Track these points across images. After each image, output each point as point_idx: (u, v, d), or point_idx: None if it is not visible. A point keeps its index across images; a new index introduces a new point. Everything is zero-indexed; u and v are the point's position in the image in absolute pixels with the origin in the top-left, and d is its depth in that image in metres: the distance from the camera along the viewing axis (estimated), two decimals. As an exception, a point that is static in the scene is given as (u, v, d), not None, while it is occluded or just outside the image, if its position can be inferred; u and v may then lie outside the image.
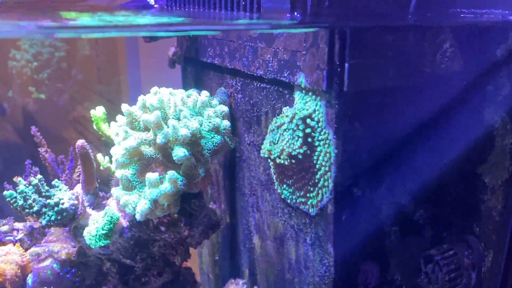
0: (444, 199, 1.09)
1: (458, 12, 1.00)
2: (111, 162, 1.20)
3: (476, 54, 0.99)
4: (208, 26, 0.98)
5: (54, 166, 1.17)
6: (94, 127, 1.17)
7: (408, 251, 1.07)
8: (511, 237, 1.07)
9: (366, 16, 0.92)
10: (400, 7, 0.94)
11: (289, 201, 1.06)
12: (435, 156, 1.05)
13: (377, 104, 0.95)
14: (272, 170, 1.10)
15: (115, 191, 0.97)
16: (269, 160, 1.06)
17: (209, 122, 0.98)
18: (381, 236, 1.04)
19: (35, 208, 0.98)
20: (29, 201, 0.98)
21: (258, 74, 1.05)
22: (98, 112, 1.15)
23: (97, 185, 1.11)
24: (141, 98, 0.99)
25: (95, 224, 0.99)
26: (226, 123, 1.01)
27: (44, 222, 0.99)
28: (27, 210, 0.98)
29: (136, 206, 0.93)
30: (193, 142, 0.96)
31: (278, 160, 1.01)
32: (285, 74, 0.98)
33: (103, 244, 0.98)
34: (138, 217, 0.93)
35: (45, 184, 1.00)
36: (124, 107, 0.99)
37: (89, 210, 1.04)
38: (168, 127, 0.92)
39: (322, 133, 0.94)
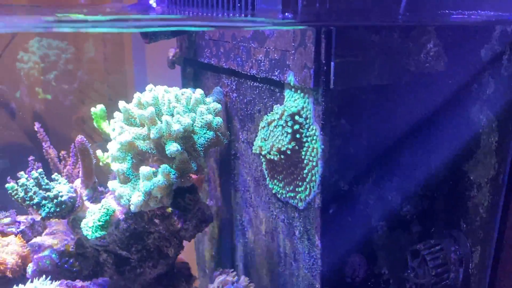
0: (431, 195, 1.12)
1: (446, 14, 1.04)
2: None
3: (461, 54, 1.02)
4: (203, 22, 1.03)
5: (57, 161, 1.22)
6: (94, 124, 1.21)
7: (395, 245, 1.10)
8: (499, 233, 1.09)
9: (353, 15, 0.96)
10: (388, 8, 0.97)
11: (279, 196, 1.10)
12: (422, 152, 1.08)
13: (364, 101, 0.98)
14: (264, 166, 1.13)
15: (111, 183, 1.01)
16: (260, 156, 1.10)
17: (202, 119, 1.02)
18: (369, 230, 1.07)
19: (35, 200, 1.03)
20: (30, 194, 1.03)
21: (252, 73, 1.09)
22: (98, 109, 1.19)
23: (96, 180, 1.15)
24: (136, 95, 1.04)
25: (92, 216, 1.03)
26: (219, 119, 1.05)
27: (43, 213, 1.03)
28: (27, 202, 1.03)
29: (130, 198, 0.97)
30: (185, 137, 1.00)
31: (268, 156, 1.04)
32: (276, 73, 1.01)
33: (99, 235, 1.02)
34: (132, 208, 0.97)
35: (45, 177, 1.04)
36: (121, 104, 1.03)
37: (87, 203, 1.09)
38: (161, 123, 0.96)
39: (310, 129, 0.97)
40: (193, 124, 1.01)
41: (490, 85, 1.02)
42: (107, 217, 1.02)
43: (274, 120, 1.03)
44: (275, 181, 1.10)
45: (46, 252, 1.08)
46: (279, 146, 1.01)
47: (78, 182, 1.13)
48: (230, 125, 1.26)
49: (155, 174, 0.97)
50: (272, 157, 1.03)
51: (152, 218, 1.06)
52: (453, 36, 1.00)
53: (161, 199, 0.98)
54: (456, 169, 1.09)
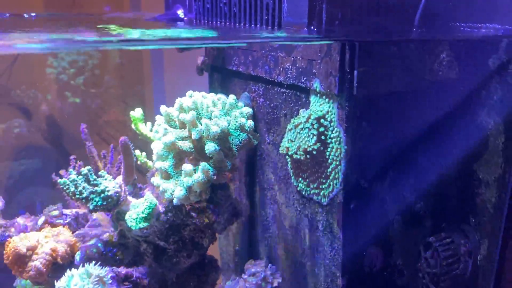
0: (443, 193, 1.22)
1: (457, 26, 1.14)
2: (147, 157, 1.36)
3: (471, 63, 1.12)
4: (238, 40, 1.13)
5: (97, 160, 1.33)
6: (133, 126, 1.32)
7: (409, 238, 1.20)
8: (506, 227, 1.19)
9: (373, 32, 1.06)
10: (403, 24, 1.08)
11: (304, 192, 1.20)
12: (435, 153, 1.18)
13: (383, 107, 1.08)
14: (289, 166, 1.23)
15: (155, 179, 1.13)
16: (286, 156, 1.20)
17: (236, 122, 1.13)
18: (385, 224, 1.17)
19: (84, 195, 1.14)
20: (79, 188, 1.14)
21: (279, 80, 1.18)
22: (137, 113, 1.31)
23: (135, 177, 1.26)
24: (178, 100, 1.15)
25: (136, 209, 1.14)
26: (251, 122, 1.16)
27: (91, 206, 1.14)
28: (77, 196, 1.14)
29: (173, 192, 1.08)
30: (222, 138, 1.11)
31: (295, 156, 1.15)
32: (302, 80, 1.11)
33: (142, 226, 1.13)
34: (175, 201, 1.08)
35: (93, 174, 1.15)
36: (162, 108, 1.14)
37: (130, 198, 1.20)
38: (201, 125, 1.08)
39: (334, 131, 1.07)
40: (228, 127, 1.12)
41: (497, 92, 1.13)
42: (150, 210, 1.13)
43: (300, 123, 1.13)
44: (300, 179, 1.20)
45: (92, 242, 1.19)
46: (305, 146, 1.11)
47: (120, 179, 1.24)
48: (256, 128, 1.36)
49: (195, 171, 1.08)
50: (298, 157, 1.14)
51: (189, 212, 1.16)
52: (464, 48, 1.10)
53: (200, 193, 1.09)
54: (466, 169, 1.19)
